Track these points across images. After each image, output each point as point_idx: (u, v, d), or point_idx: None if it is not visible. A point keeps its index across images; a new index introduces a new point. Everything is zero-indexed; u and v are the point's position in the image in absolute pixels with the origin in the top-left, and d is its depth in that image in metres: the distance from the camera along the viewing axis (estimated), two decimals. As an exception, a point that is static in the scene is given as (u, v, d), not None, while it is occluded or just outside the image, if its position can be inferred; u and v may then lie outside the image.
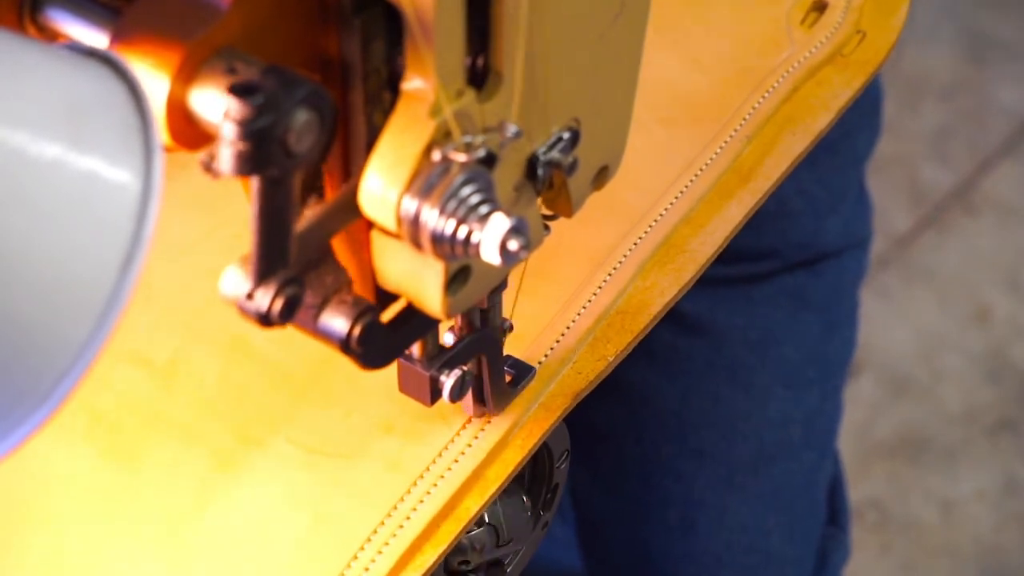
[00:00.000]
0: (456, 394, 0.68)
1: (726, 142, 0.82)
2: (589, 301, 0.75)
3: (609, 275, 0.76)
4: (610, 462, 1.10)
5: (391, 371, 0.73)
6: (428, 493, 0.69)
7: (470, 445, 0.71)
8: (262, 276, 0.56)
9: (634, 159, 0.78)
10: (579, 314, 0.75)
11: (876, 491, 1.72)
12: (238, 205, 0.81)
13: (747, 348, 1.06)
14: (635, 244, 0.78)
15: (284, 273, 0.56)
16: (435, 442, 0.71)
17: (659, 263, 0.77)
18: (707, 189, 0.80)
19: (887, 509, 1.71)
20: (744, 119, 0.83)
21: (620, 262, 0.77)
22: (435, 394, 0.68)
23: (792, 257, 1.05)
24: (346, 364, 0.73)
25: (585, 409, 0.74)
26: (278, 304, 0.56)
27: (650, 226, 0.79)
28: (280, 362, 0.75)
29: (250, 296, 0.56)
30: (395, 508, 0.69)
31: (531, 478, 0.76)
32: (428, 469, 0.70)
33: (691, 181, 0.80)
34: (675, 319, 1.03)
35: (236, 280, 0.56)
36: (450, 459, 0.70)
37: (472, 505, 0.69)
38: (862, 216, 1.12)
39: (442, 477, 0.70)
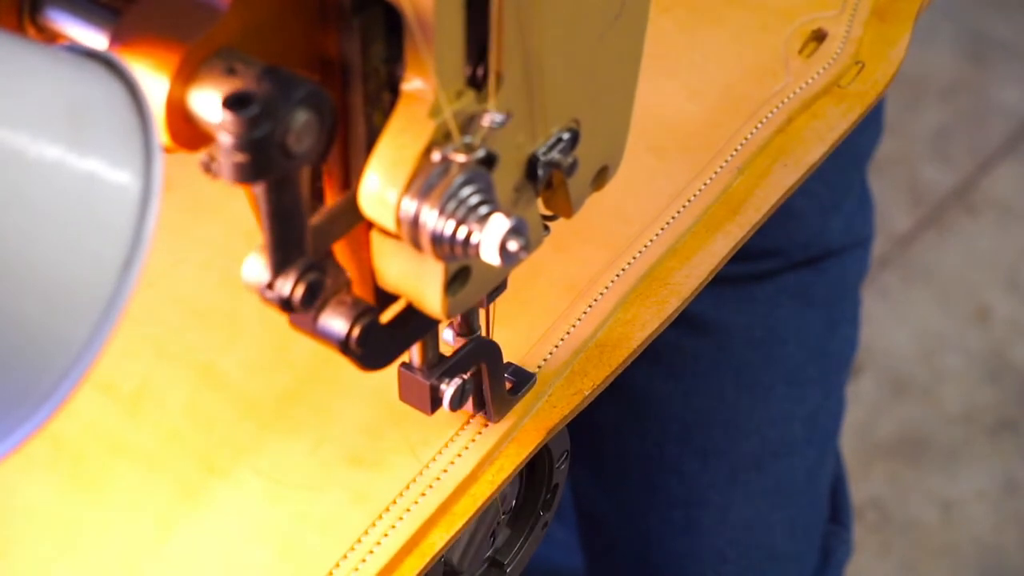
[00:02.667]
0: (456, 402, 0.68)
1: (716, 172, 0.80)
2: (567, 333, 0.74)
3: (590, 306, 0.75)
4: (613, 461, 1.10)
5: (363, 404, 0.72)
6: (393, 527, 0.68)
7: (438, 479, 0.69)
8: (280, 268, 0.56)
9: (620, 188, 0.76)
10: (557, 346, 0.73)
11: (876, 491, 1.72)
12: (209, 229, 0.80)
13: (751, 346, 1.06)
14: (618, 275, 0.76)
15: (304, 260, 0.56)
16: (403, 475, 0.70)
17: (641, 296, 0.76)
18: (694, 221, 0.78)
19: (887, 509, 1.71)
20: (736, 149, 0.81)
21: (601, 293, 0.75)
22: (435, 403, 0.68)
23: (795, 256, 1.05)
24: (316, 395, 0.73)
25: (589, 409, 0.74)
26: (300, 291, 0.56)
27: (634, 257, 0.77)
28: (249, 391, 0.74)
29: (271, 285, 0.56)
30: (359, 541, 0.68)
31: (530, 479, 0.76)
32: (395, 502, 0.69)
33: (678, 212, 0.79)
34: (679, 319, 1.03)
35: (258, 268, 0.56)
36: (417, 493, 0.69)
37: (438, 540, 0.68)
38: (864, 215, 1.12)
39: (408, 511, 0.69)
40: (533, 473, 0.76)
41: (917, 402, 1.80)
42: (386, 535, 0.68)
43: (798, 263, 1.06)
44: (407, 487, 0.69)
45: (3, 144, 0.47)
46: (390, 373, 0.70)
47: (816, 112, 0.83)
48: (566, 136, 0.62)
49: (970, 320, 1.87)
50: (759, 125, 0.82)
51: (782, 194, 0.80)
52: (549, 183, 0.64)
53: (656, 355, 1.05)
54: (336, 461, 0.71)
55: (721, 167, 0.80)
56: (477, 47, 0.57)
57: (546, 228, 0.65)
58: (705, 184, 0.80)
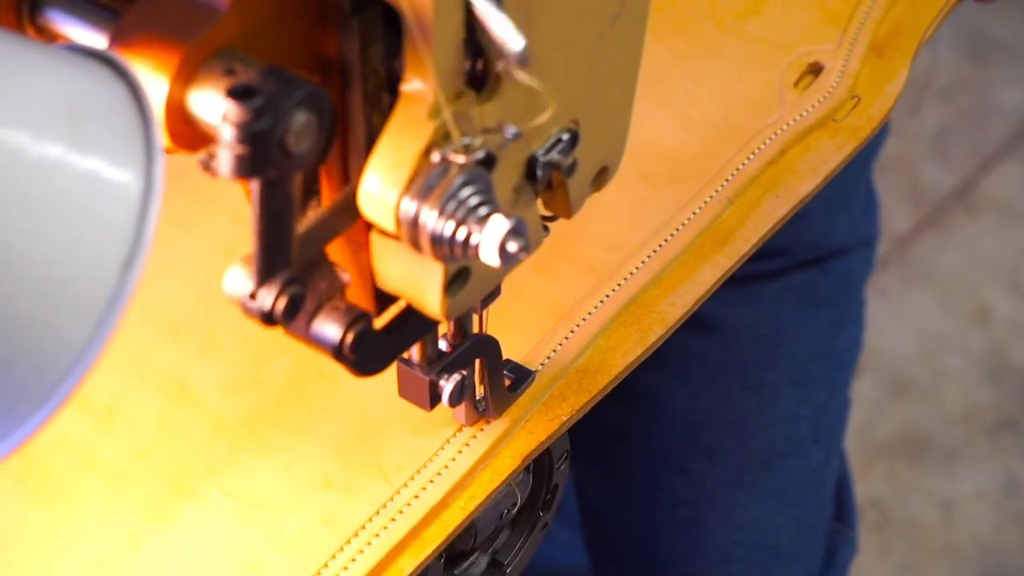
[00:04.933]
0: (455, 398, 0.68)
1: (706, 202, 0.80)
2: (548, 358, 0.73)
3: (572, 331, 0.74)
4: (619, 462, 1.10)
5: (337, 427, 0.72)
6: (361, 552, 0.68)
7: (409, 504, 0.69)
8: (264, 276, 0.56)
9: (608, 214, 0.76)
10: (537, 370, 0.73)
11: (876, 491, 1.72)
12: (187, 245, 0.80)
13: (756, 346, 1.06)
14: (602, 301, 0.75)
15: (287, 272, 0.56)
16: (374, 499, 0.69)
17: (625, 323, 0.75)
18: (682, 250, 0.78)
19: (887, 509, 1.72)
20: (727, 179, 0.80)
21: (584, 319, 0.75)
22: (434, 398, 0.68)
23: (801, 255, 1.05)
24: (290, 416, 0.72)
25: (595, 410, 0.74)
26: (281, 303, 0.56)
27: (619, 284, 0.76)
28: (221, 410, 0.73)
29: (253, 296, 0.56)
30: (326, 565, 0.68)
31: (530, 479, 0.76)
32: (364, 527, 0.69)
33: (666, 240, 0.78)
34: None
35: (239, 279, 0.56)
36: (387, 517, 0.69)
37: (406, 565, 0.68)
38: (870, 215, 1.12)
39: (377, 536, 0.68)
40: (534, 474, 0.76)
41: (917, 402, 1.80)
42: (354, 560, 0.68)
43: (804, 262, 1.06)
44: (378, 511, 0.69)
45: (4, 143, 0.47)
46: (366, 395, 0.70)
47: (810, 145, 0.83)
48: (565, 137, 0.62)
49: (970, 320, 1.87)
50: (751, 156, 0.82)
51: (772, 226, 0.79)
52: (549, 184, 0.64)
53: (662, 355, 1.05)
54: (307, 483, 0.70)
55: (711, 197, 0.80)
56: (476, 48, 0.57)
57: (545, 229, 0.65)
58: (694, 213, 0.79)
